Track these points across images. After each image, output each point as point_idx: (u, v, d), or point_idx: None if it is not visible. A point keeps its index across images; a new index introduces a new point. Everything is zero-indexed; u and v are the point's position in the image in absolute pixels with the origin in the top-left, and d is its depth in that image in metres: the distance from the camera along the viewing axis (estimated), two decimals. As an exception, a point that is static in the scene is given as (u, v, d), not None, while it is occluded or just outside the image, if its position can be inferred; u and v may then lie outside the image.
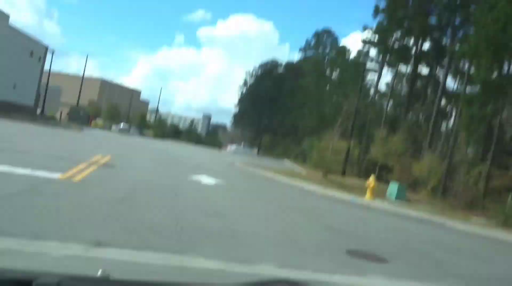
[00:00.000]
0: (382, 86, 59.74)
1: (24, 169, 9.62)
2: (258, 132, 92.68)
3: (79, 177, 9.89)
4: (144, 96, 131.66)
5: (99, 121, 67.52)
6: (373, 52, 55.43)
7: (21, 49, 39.83)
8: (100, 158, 14.81)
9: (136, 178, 11.70)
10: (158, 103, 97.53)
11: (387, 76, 60.24)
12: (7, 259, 2.42)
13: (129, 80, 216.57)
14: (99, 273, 1.46)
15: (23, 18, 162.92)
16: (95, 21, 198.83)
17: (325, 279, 3.63)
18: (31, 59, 41.81)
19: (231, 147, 66.57)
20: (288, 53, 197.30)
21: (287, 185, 17.84)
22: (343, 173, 34.51)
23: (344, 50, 69.54)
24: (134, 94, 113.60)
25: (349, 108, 42.33)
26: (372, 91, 60.75)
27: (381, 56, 53.73)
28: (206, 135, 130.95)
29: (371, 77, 62.06)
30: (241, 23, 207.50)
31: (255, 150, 66.98)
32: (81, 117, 55.18)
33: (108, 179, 10.74)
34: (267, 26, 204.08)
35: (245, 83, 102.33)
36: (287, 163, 48.70)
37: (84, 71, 65.66)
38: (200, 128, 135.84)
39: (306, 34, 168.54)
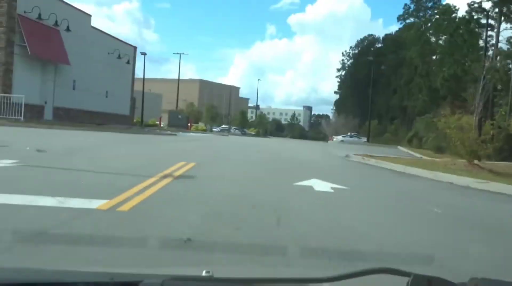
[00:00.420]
0: (503, 45, 52.07)
1: (53, 198, 6.33)
2: (362, 118, 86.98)
3: (131, 203, 6.38)
4: (243, 94, 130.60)
5: (201, 124, 66.08)
6: (486, 4, 48.06)
7: (107, 52, 37.70)
8: (182, 165, 11.45)
9: (220, 193, 8.02)
10: (257, 97, 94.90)
11: (506, 33, 52.12)
12: None
13: (227, 79, 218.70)
14: (203, 273, 1.42)
15: (124, 30, 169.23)
16: (189, 24, 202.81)
17: None
18: (120, 63, 39.52)
19: (337, 138, 61.98)
20: (382, 29, 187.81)
21: (429, 180, 13.36)
22: (478, 157, 29.15)
23: (449, 9, 61.91)
24: (232, 91, 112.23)
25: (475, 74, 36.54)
26: (490, 52, 53.41)
27: (496, 9, 46.43)
28: (309, 128, 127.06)
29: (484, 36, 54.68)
30: (330, 3, 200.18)
31: (363, 139, 61.74)
32: (180, 121, 53.48)
33: (179, 199, 7.18)
34: (357, 2, 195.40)
35: (343, 65, 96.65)
36: (403, 150, 43.32)
37: (179, 72, 64.33)
38: (302, 121, 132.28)
39: (399, 5, 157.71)
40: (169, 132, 37.07)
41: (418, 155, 34.37)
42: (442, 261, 4.42)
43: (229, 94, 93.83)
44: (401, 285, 1.30)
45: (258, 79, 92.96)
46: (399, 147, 49.65)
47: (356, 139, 60.93)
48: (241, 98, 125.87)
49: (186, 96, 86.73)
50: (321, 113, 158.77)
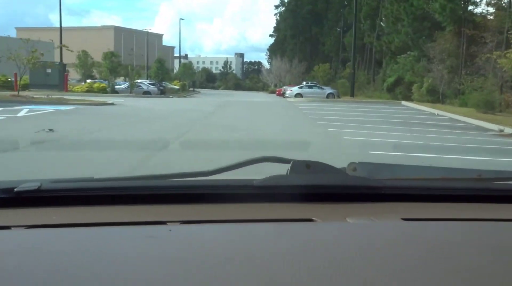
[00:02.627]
0: None
1: None
2: (310, 63, 66.25)
3: None
4: (170, 43, 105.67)
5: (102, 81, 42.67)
6: None
7: None
8: None
9: None
10: (180, 41, 71.08)
11: None
12: None
13: (153, 30, 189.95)
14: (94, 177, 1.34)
15: None
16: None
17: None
18: None
19: (292, 89, 40.81)
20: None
21: None
22: None
23: None
24: (154, 38, 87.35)
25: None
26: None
27: None
28: (243, 76, 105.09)
29: None
30: None
31: (327, 90, 40.90)
32: (50, 77, 30.54)
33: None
34: None
35: (282, 0, 74.16)
36: (429, 110, 23.03)
37: (60, 3, 40.02)
38: (235, 70, 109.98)
39: None
40: None
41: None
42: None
43: (146, 40, 69.48)
44: (282, 171, 1.25)
45: (181, 19, 71.29)
46: (403, 102, 29.43)
47: (318, 90, 39.97)
48: (165, 46, 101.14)
49: (99, 47, 62.71)
50: (253, 60, 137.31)
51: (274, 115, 18.49)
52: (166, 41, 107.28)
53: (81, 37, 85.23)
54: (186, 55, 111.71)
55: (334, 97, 38.50)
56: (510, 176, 1.46)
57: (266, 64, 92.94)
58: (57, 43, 41.24)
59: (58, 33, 69.27)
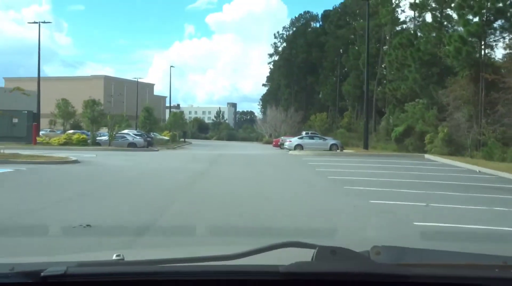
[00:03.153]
0: None
1: None
2: (306, 112, 62.75)
3: None
4: (162, 93, 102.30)
5: (80, 132, 38.37)
6: None
7: None
8: None
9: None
10: (170, 88, 67.52)
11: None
12: None
13: (145, 80, 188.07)
14: (114, 257, 1.30)
15: (34, 35, 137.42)
16: (104, 26, 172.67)
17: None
18: None
19: (292, 140, 36.58)
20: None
21: None
22: None
23: None
24: (145, 88, 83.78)
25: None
26: None
27: None
28: (236, 126, 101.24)
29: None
30: (246, 3, 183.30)
31: (330, 140, 36.82)
32: (18, 128, 26.04)
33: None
34: (273, 1, 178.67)
35: (276, 49, 71.08)
36: (471, 168, 18.64)
37: (39, 53, 36.34)
38: (227, 119, 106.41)
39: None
40: None
41: None
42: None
43: (136, 89, 65.85)
44: (307, 257, 1.23)
45: (171, 66, 69.04)
46: (426, 156, 25.17)
47: (320, 141, 35.87)
48: (157, 96, 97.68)
49: (87, 94, 58.88)
50: (245, 110, 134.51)
51: (282, 176, 14.09)
52: (159, 91, 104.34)
53: (70, 86, 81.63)
54: (178, 105, 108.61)
55: (338, 149, 34.42)
56: None
57: (258, 114, 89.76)
58: (45, 93, 37.00)
59: (48, 83, 65.22)
